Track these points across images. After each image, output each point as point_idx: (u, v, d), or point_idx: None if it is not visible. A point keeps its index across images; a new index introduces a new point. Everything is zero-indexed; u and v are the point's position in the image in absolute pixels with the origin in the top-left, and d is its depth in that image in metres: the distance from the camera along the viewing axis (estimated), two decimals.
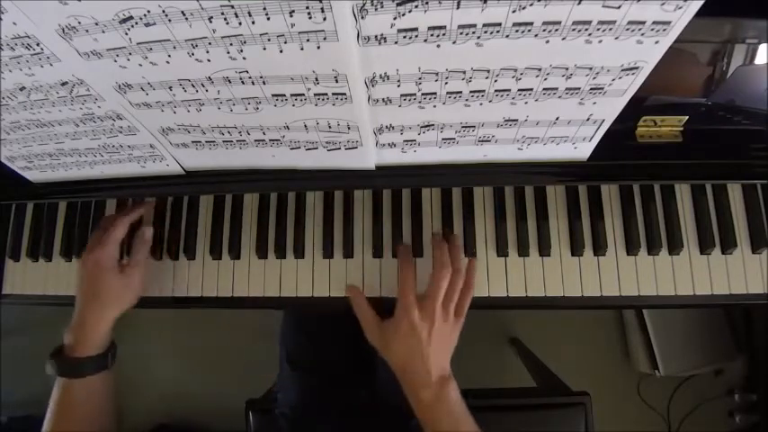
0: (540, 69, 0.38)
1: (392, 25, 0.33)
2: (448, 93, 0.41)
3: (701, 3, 0.31)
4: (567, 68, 0.38)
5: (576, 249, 0.57)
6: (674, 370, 1.23)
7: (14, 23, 0.35)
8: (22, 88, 0.42)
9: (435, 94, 0.41)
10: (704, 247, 0.56)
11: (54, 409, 0.53)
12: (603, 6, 0.31)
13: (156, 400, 1.39)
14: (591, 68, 0.38)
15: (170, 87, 0.41)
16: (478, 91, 0.40)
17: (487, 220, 0.59)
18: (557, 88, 0.40)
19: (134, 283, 0.57)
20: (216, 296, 0.62)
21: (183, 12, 0.32)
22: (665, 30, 0.33)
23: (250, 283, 0.61)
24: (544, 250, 0.57)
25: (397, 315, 0.52)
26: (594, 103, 0.42)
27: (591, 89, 0.40)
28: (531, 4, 0.31)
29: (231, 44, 0.35)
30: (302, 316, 0.76)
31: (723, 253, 0.56)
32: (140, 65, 0.38)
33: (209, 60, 0.37)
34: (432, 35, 0.34)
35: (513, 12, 0.32)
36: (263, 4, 0.32)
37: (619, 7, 0.31)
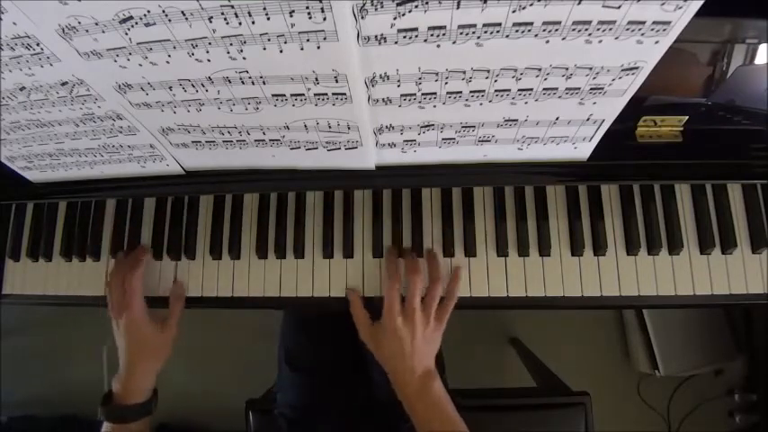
0: (540, 69, 0.38)
1: (392, 25, 0.33)
2: (448, 93, 0.41)
3: (701, 3, 0.31)
4: (567, 68, 0.38)
5: (576, 249, 0.57)
6: (674, 370, 1.23)
7: (14, 23, 0.35)
8: (22, 88, 0.42)
9: (435, 94, 0.41)
10: (704, 247, 0.56)
11: None
12: (603, 6, 0.31)
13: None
14: (591, 68, 0.38)
15: (170, 87, 0.41)
16: (478, 91, 0.40)
17: (487, 220, 0.59)
18: (557, 88, 0.40)
19: (168, 337, 0.60)
20: (216, 296, 0.62)
21: (182, 12, 0.32)
22: (665, 30, 0.33)
23: (250, 283, 0.61)
24: (544, 250, 0.57)
25: (383, 320, 0.55)
26: (594, 103, 0.42)
27: (591, 89, 0.40)
28: (531, 4, 0.31)
29: (231, 44, 0.35)
30: (302, 316, 0.76)
31: (723, 253, 0.56)
32: (140, 65, 0.38)
33: (209, 60, 0.37)
34: (432, 35, 0.34)
35: (513, 12, 0.32)
36: (263, 4, 0.32)
37: (619, 7, 0.31)
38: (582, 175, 0.54)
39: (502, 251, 0.58)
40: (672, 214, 0.57)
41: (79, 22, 0.34)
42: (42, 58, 0.38)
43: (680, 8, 0.31)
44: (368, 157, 0.50)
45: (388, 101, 0.42)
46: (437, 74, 0.38)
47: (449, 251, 0.58)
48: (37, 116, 0.46)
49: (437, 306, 0.56)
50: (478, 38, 0.34)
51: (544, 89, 0.40)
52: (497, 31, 0.34)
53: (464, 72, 0.38)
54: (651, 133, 0.52)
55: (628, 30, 0.33)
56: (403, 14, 0.32)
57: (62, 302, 0.66)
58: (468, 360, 1.30)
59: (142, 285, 0.60)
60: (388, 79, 0.39)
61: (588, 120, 0.44)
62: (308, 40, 0.34)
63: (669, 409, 1.31)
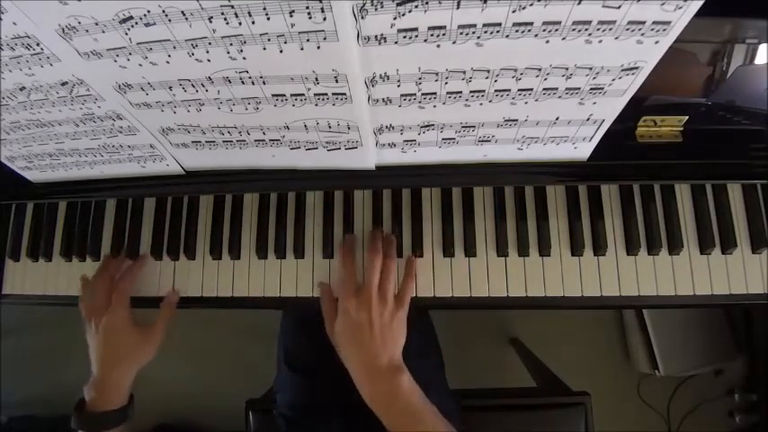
0: (540, 69, 0.38)
1: (392, 25, 0.33)
2: (448, 93, 0.41)
3: (701, 3, 0.31)
4: (567, 68, 0.38)
5: (576, 249, 0.57)
6: (674, 370, 1.23)
7: (14, 23, 0.35)
8: (22, 88, 0.42)
9: (435, 94, 0.41)
10: (704, 247, 0.56)
11: None
12: (603, 6, 0.32)
13: (156, 400, 1.39)
14: (591, 68, 0.38)
15: (170, 87, 0.41)
16: (478, 91, 0.40)
17: (487, 220, 0.59)
18: (557, 88, 0.40)
19: (154, 341, 0.58)
20: (216, 296, 0.62)
21: (182, 12, 0.32)
22: (665, 30, 0.33)
23: (250, 283, 0.61)
24: (544, 250, 0.57)
25: (339, 305, 0.53)
26: (594, 103, 0.42)
27: (591, 89, 0.40)
28: (531, 4, 0.31)
29: (231, 44, 0.35)
30: (301, 316, 0.76)
31: (723, 253, 0.56)
32: (140, 65, 0.38)
33: (209, 60, 0.37)
34: (432, 35, 0.34)
35: (513, 12, 0.32)
36: (263, 4, 0.32)
37: (619, 7, 0.31)
38: (582, 175, 0.54)
39: (502, 251, 0.58)
40: (672, 214, 0.57)
41: (79, 22, 0.34)
42: (42, 58, 0.38)
43: (680, 8, 0.31)
44: (368, 157, 0.50)
45: (388, 101, 0.42)
46: (437, 74, 0.38)
47: (449, 251, 0.58)
48: (37, 116, 0.46)
49: (397, 287, 0.53)
50: (478, 38, 0.34)
51: (544, 89, 0.40)
52: (497, 31, 0.34)
53: (464, 72, 0.38)
54: (651, 133, 0.52)
55: (628, 30, 0.33)
56: (403, 14, 0.32)
57: (62, 302, 0.66)
58: (469, 360, 1.30)
59: (131, 291, 0.59)
60: (388, 79, 0.39)
61: (588, 120, 0.44)
62: (308, 40, 0.34)
63: (669, 409, 1.31)
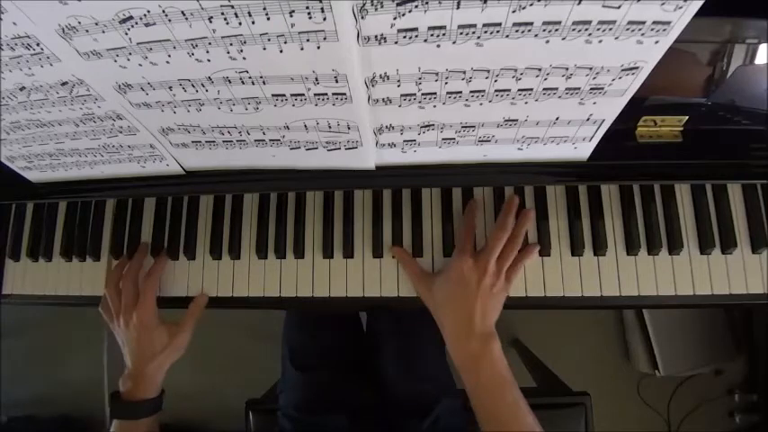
0: (540, 69, 0.38)
1: (392, 25, 0.33)
2: (448, 93, 0.41)
3: (701, 3, 0.31)
4: (567, 68, 0.38)
5: (576, 249, 0.57)
6: (674, 370, 1.23)
7: (14, 23, 0.35)
8: (22, 88, 0.42)
9: (435, 94, 0.41)
10: (704, 247, 0.56)
11: None
12: (603, 6, 0.31)
13: None
14: (591, 68, 0.38)
15: (170, 87, 0.41)
16: (478, 91, 0.40)
17: (488, 220, 0.59)
18: (557, 88, 0.40)
19: (183, 338, 0.60)
20: (216, 296, 0.62)
21: (183, 12, 0.32)
22: (665, 30, 0.33)
23: (250, 283, 0.61)
24: (544, 250, 0.57)
25: (452, 262, 0.53)
26: (594, 103, 0.42)
27: (591, 89, 0.40)
28: (531, 4, 0.31)
29: (231, 44, 0.35)
30: (305, 316, 0.76)
31: (723, 253, 0.56)
32: (140, 65, 0.38)
33: (209, 60, 0.37)
34: (432, 35, 0.34)
35: (513, 12, 0.32)
36: (263, 4, 0.32)
37: (619, 7, 0.31)
38: (582, 175, 0.54)
39: None
40: (672, 214, 0.57)
41: (79, 22, 0.34)
42: (42, 58, 0.38)
43: (680, 8, 0.31)
44: (368, 157, 0.50)
45: (388, 101, 0.42)
46: (437, 74, 0.38)
47: (449, 251, 0.58)
48: (37, 116, 0.46)
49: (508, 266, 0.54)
50: (478, 38, 0.34)
51: (544, 89, 0.40)
52: (497, 31, 0.34)
53: (464, 72, 0.38)
54: (651, 133, 0.52)
55: (628, 30, 0.33)
56: (403, 14, 0.32)
57: (62, 302, 0.66)
58: None
59: (157, 289, 0.60)
60: (388, 79, 0.39)
61: (588, 120, 0.44)
62: (308, 40, 0.34)
63: (669, 409, 1.31)
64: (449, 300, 0.53)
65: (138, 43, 0.36)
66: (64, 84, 0.41)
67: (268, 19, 0.33)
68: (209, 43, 0.35)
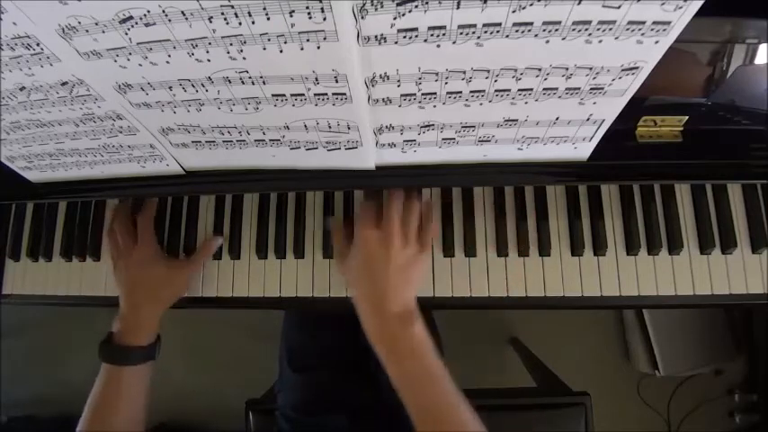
0: (540, 69, 0.38)
1: (392, 25, 0.33)
2: (448, 93, 0.41)
3: (701, 3, 0.31)
4: (567, 68, 0.38)
5: (576, 249, 0.57)
6: (674, 370, 1.23)
7: (14, 23, 0.35)
8: (22, 88, 0.42)
9: (435, 94, 0.41)
10: (704, 247, 0.56)
11: (97, 397, 0.54)
12: (603, 6, 0.31)
13: (156, 400, 1.39)
14: (591, 68, 0.38)
15: (170, 87, 0.41)
16: (478, 91, 0.40)
17: (487, 220, 0.59)
18: (557, 88, 0.40)
19: (184, 274, 0.58)
20: (216, 296, 0.62)
21: (182, 12, 0.32)
22: (665, 30, 0.33)
23: (250, 283, 0.61)
24: (544, 250, 0.57)
25: (356, 239, 0.50)
26: (594, 103, 0.42)
27: (591, 89, 0.40)
28: (531, 4, 0.31)
29: (231, 44, 0.35)
30: (304, 316, 0.76)
31: (723, 253, 0.56)
32: (140, 65, 0.38)
33: (209, 60, 0.37)
34: (432, 35, 0.34)
35: (513, 12, 0.32)
36: (263, 4, 0.32)
37: (619, 7, 0.31)
38: (582, 175, 0.54)
39: (502, 251, 0.58)
40: (672, 214, 0.57)
41: (79, 22, 0.34)
42: (42, 58, 0.38)
43: (680, 8, 0.31)
44: (368, 157, 0.50)
45: (388, 101, 0.42)
46: (437, 74, 0.38)
47: (449, 251, 0.58)
48: (37, 116, 0.46)
49: (418, 231, 0.50)
50: (478, 38, 0.34)
51: (544, 89, 0.40)
52: (497, 31, 0.34)
53: (464, 72, 0.38)
54: (651, 133, 0.52)
55: (628, 30, 0.33)
56: (403, 14, 0.32)
57: (62, 302, 0.66)
58: (469, 360, 1.30)
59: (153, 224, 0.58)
60: (388, 79, 0.39)
61: (588, 120, 0.44)
62: (308, 40, 0.34)
63: (669, 409, 1.31)
64: (359, 277, 0.49)
65: (138, 43, 0.36)
66: (64, 84, 0.41)
67: (268, 19, 0.33)
68: (209, 43, 0.35)
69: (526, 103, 0.42)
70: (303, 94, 0.40)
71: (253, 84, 0.39)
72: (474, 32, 0.34)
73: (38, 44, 0.37)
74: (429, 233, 0.53)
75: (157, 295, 0.56)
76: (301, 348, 0.74)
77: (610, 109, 0.43)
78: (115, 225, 0.59)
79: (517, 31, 0.34)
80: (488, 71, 0.38)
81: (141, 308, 0.55)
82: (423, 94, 0.41)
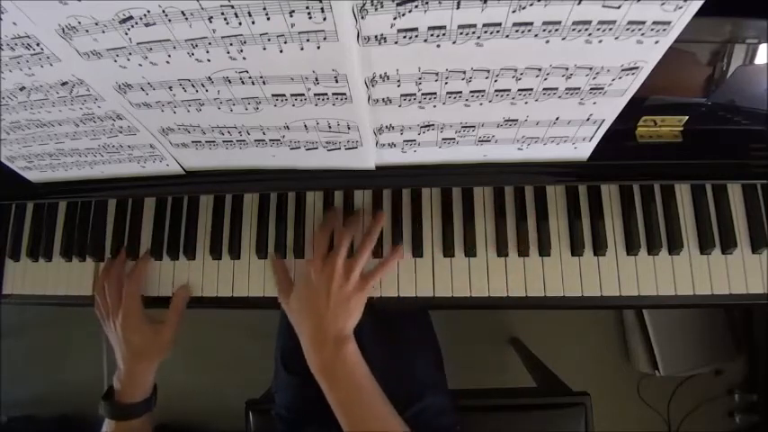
0: (540, 69, 0.38)
1: (392, 25, 0.33)
2: (448, 93, 0.41)
3: (701, 3, 0.31)
4: (567, 68, 0.38)
5: (576, 249, 0.57)
6: (674, 370, 1.23)
7: (14, 23, 0.35)
8: (22, 88, 0.42)
9: (435, 94, 0.41)
10: (704, 247, 0.56)
11: None
12: (603, 6, 0.31)
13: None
14: (591, 68, 0.38)
15: (170, 87, 0.41)
16: (478, 91, 0.40)
17: (487, 220, 0.59)
18: (557, 88, 0.40)
19: (166, 338, 0.60)
20: (216, 296, 0.62)
21: (182, 12, 0.32)
22: (665, 30, 0.33)
23: (250, 283, 0.61)
24: (544, 250, 0.57)
25: (303, 269, 0.53)
26: (594, 103, 0.42)
27: (591, 89, 0.40)
28: (531, 4, 0.31)
29: (231, 44, 0.35)
30: None
31: (723, 253, 0.56)
32: (140, 65, 0.38)
33: (209, 60, 0.37)
34: (432, 35, 0.34)
35: (513, 12, 0.32)
36: (263, 4, 0.32)
37: (619, 7, 0.31)
38: (582, 175, 0.54)
39: (502, 251, 0.58)
40: (672, 214, 0.57)
41: (79, 22, 0.34)
42: (42, 58, 0.38)
43: (680, 8, 0.31)
44: (368, 157, 0.50)
45: (388, 101, 0.42)
46: (437, 74, 0.38)
47: (449, 251, 0.58)
48: (37, 116, 0.46)
49: (367, 269, 0.53)
50: (478, 38, 0.34)
51: (544, 89, 0.40)
52: (497, 31, 0.34)
53: (464, 72, 0.38)
54: (651, 133, 0.52)
55: (628, 30, 0.33)
56: (403, 14, 0.32)
57: (62, 302, 0.66)
58: (469, 360, 1.30)
59: (140, 289, 0.60)
60: (388, 79, 0.39)
61: (588, 120, 0.44)
62: (308, 40, 0.34)
63: (669, 409, 1.31)
64: (301, 306, 0.52)
65: (138, 43, 0.36)
66: (64, 84, 0.41)
67: (268, 19, 0.33)
68: (209, 43, 0.35)
69: (526, 103, 0.42)
70: (303, 94, 0.40)
71: (253, 84, 0.39)
72: (474, 32, 0.34)
73: (38, 44, 0.37)
74: (375, 276, 0.54)
75: (149, 355, 0.59)
76: (295, 349, 0.74)
77: (610, 109, 0.43)
78: (105, 284, 0.61)
79: (517, 31, 0.34)
80: (488, 71, 0.38)
81: (134, 368, 0.59)
82: (423, 94, 0.41)
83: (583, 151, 0.50)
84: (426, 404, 0.66)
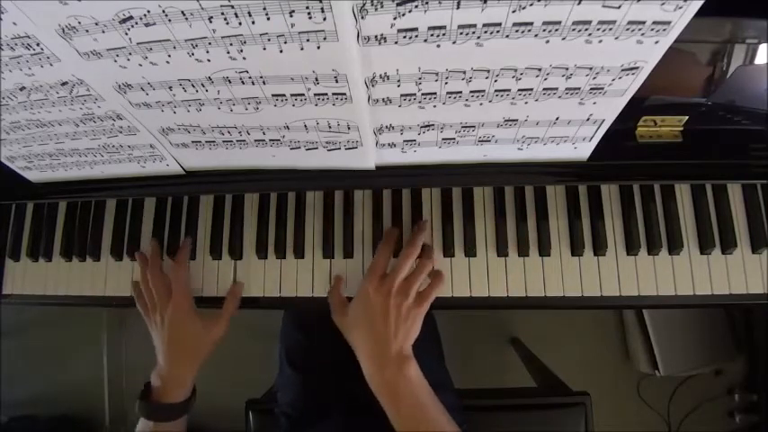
0: (540, 69, 0.38)
1: (392, 25, 0.33)
2: (448, 93, 0.41)
3: (701, 3, 0.31)
4: (567, 68, 0.38)
5: (576, 249, 0.57)
6: (674, 370, 1.23)
7: (14, 23, 0.35)
8: (22, 88, 0.42)
9: (435, 94, 0.41)
10: (704, 247, 0.56)
11: None
12: (603, 6, 0.32)
13: None
14: (591, 68, 0.38)
15: (170, 87, 0.41)
16: (478, 91, 0.40)
17: (487, 220, 0.59)
18: (557, 88, 0.40)
19: (218, 331, 0.58)
20: (216, 296, 0.62)
21: (182, 12, 0.32)
22: (665, 30, 0.33)
23: (250, 283, 0.61)
24: (544, 250, 0.57)
25: (362, 283, 0.53)
26: (594, 103, 0.42)
27: (591, 89, 0.40)
28: (531, 4, 0.31)
29: (231, 44, 0.35)
30: (302, 315, 0.76)
31: (723, 253, 0.56)
32: (140, 65, 0.38)
33: (209, 60, 0.37)
34: (432, 35, 0.34)
35: (513, 12, 0.32)
36: (263, 4, 0.32)
37: (619, 7, 0.31)
38: (582, 175, 0.54)
39: (502, 251, 0.58)
40: (672, 214, 0.57)
41: (79, 22, 0.34)
42: (42, 58, 0.38)
43: (680, 8, 0.31)
44: (368, 157, 0.50)
45: (388, 101, 0.42)
46: (437, 74, 0.38)
47: (449, 251, 0.58)
48: (37, 116, 0.46)
49: (422, 288, 0.53)
50: (478, 38, 0.34)
51: (544, 89, 0.40)
52: (497, 31, 0.34)
53: (464, 72, 0.38)
54: (651, 133, 0.52)
55: (628, 30, 0.33)
56: (403, 14, 0.32)
57: (62, 302, 0.66)
58: (468, 360, 1.30)
59: (188, 283, 0.59)
60: (388, 79, 0.39)
61: (588, 120, 0.44)
62: (308, 40, 0.34)
63: (669, 409, 1.31)
64: (358, 324, 0.52)
65: (138, 43, 0.36)
66: (64, 84, 0.41)
67: (268, 19, 0.33)
68: (209, 43, 0.35)
69: (526, 103, 0.42)
70: (303, 94, 0.40)
71: (253, 84, 0.39)
72: (474, 32, 0.34)
73: (38, 44, 0.37)
74: (432, 293, 0.53)
75: (197, 352, 0.57)
76: (300, 347, 0.74)
77: (610, 109, 0.43)
78: (149, 275, 0.59)
79: (517, 31, 0.34)
80: (488, 71, 0.38)
81: (182, 366, 0.56)
82: (423, 94, 0.41)
83: (583, 151, 0.50)
84: None
